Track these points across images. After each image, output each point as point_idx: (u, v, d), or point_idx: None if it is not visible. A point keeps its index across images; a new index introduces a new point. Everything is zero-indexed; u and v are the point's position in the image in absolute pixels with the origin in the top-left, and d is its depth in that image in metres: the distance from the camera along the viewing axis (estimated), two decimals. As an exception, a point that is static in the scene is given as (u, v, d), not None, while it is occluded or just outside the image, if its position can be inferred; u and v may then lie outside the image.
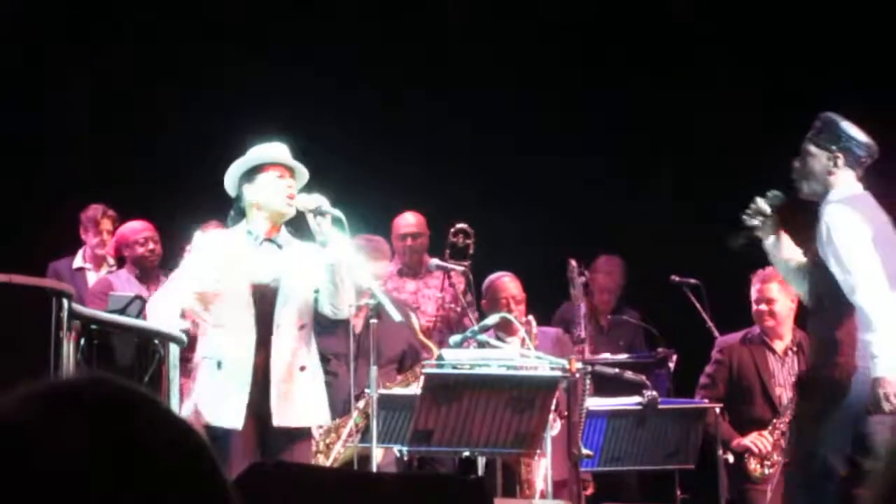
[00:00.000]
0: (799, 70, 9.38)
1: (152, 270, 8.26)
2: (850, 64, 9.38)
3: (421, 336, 6.70)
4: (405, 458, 6.70)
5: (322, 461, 6.38)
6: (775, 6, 9.66)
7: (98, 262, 8.60)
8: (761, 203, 6.09)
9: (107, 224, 8.54)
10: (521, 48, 9.92)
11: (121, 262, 8.39)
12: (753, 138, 9.08)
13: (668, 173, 9.68)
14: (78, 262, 8.58)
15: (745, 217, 6.10)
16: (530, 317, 7.46)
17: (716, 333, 8.09)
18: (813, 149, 5.98)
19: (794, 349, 7.67)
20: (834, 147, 5.95)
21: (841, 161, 5.95)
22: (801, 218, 6.20)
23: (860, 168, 6.01)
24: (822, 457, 5.76)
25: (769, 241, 6.11)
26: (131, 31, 9.73)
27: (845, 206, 5.89)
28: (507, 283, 7.79)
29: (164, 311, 5.69)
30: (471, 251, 8.24)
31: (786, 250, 6.12)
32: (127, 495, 1.12)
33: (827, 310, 5.90)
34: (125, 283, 8.00)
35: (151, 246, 8.24)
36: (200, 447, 1.20)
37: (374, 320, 6.03)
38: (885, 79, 9.17)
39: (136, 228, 8.30)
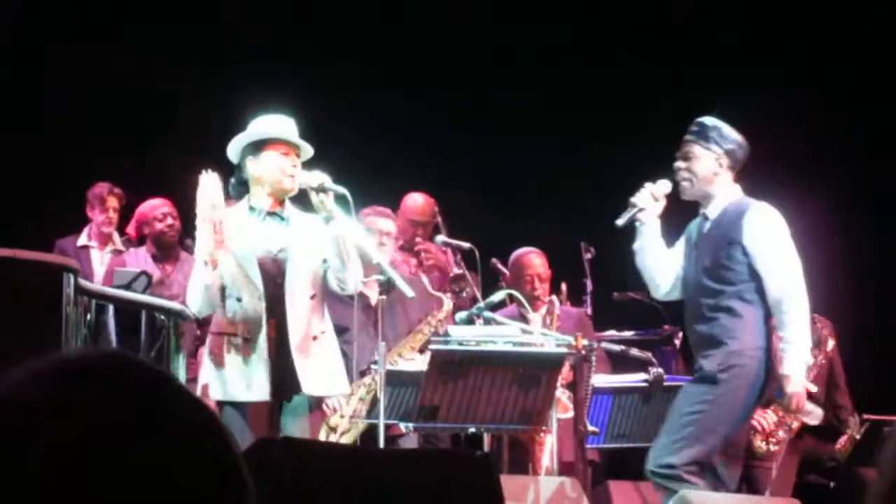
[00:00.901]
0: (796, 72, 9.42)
1: (172, 248, 8.26)
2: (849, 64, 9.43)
3: (431, 289, 6.72)
4: (410, 434, 6.70)
5: (345, 424, 6.44)
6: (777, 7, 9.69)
7: (103, 240, 8.58)
8: (651, 188, 6.22)
9: (113, 202, 8.54)
10: (522, 49, 9.94)
11: (141, 241, 8.39)
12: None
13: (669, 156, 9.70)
14: (83, 240, 8.56)
15: (633, 199, 6.22)
16: (553, 297, 7.48)
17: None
18: (698, 150, 6.14)
19: None
20: (719, 150, 6.13)
21: (725, 163, 6.13)
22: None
23: (736, 170, 6.19)
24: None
25: (647, 227, 6.23)
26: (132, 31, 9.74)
27: (772, 209, 6.11)
28: (533, 259, 7.79)
29: (194, 297, 5.69)
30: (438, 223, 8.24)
31: (656, 239, 6.26)
32: (138, 470, 1.11)
33: (726, 300, 6.05)
34: (141, 263, 8.00)
35: (170, 221, 8.23)
36: (212, 421, 1.19)
37: (382, 296, 6.02)
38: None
39: (155, 205, 8.32)
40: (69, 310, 4.85)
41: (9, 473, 1.09)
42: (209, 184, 5.59)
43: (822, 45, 9.49)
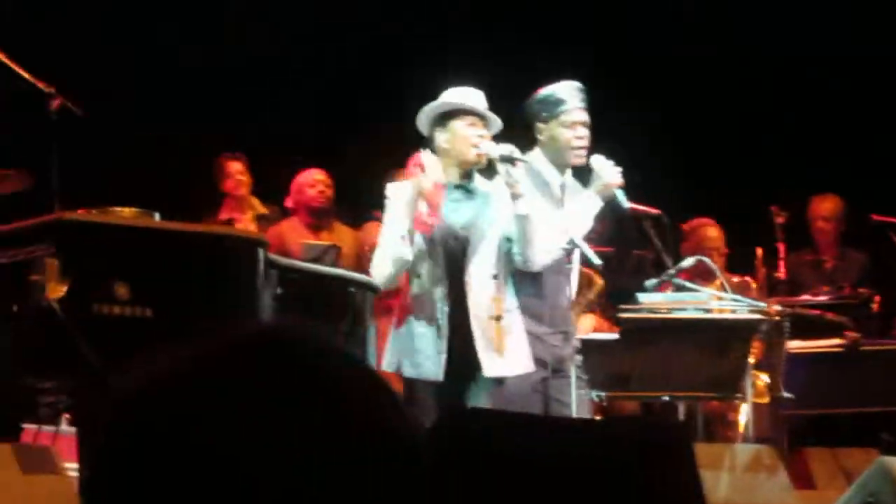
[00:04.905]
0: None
1: (324, 216, 8.27)
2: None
3: None
4: (604, 404, 6.66)
5: None
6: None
7: (242, 207, 8.60)
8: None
9: (234, 166, 8.59)
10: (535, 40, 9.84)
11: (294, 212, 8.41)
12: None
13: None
14: (224, 214, 8.59)
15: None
16: (748, 277, 7.48)
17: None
18: None
19: None
20: None
21: None
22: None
23: None
24: None
25: None
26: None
27: None
28: (711, 232, 7.77)
29: (385, 269, 5.73)
30: None
31: None
32: (310, 439, 1.11)
33: None
34: (295, 232, 8.04)
35: (321, 188, 8.25)
36: (387, 391, 1.19)
37: (568, 266, 5.99)
38: None
39: (309, 173, 8.33)
40: (260, 284, 4.91)
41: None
42: (429, 163, 5.66)
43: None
